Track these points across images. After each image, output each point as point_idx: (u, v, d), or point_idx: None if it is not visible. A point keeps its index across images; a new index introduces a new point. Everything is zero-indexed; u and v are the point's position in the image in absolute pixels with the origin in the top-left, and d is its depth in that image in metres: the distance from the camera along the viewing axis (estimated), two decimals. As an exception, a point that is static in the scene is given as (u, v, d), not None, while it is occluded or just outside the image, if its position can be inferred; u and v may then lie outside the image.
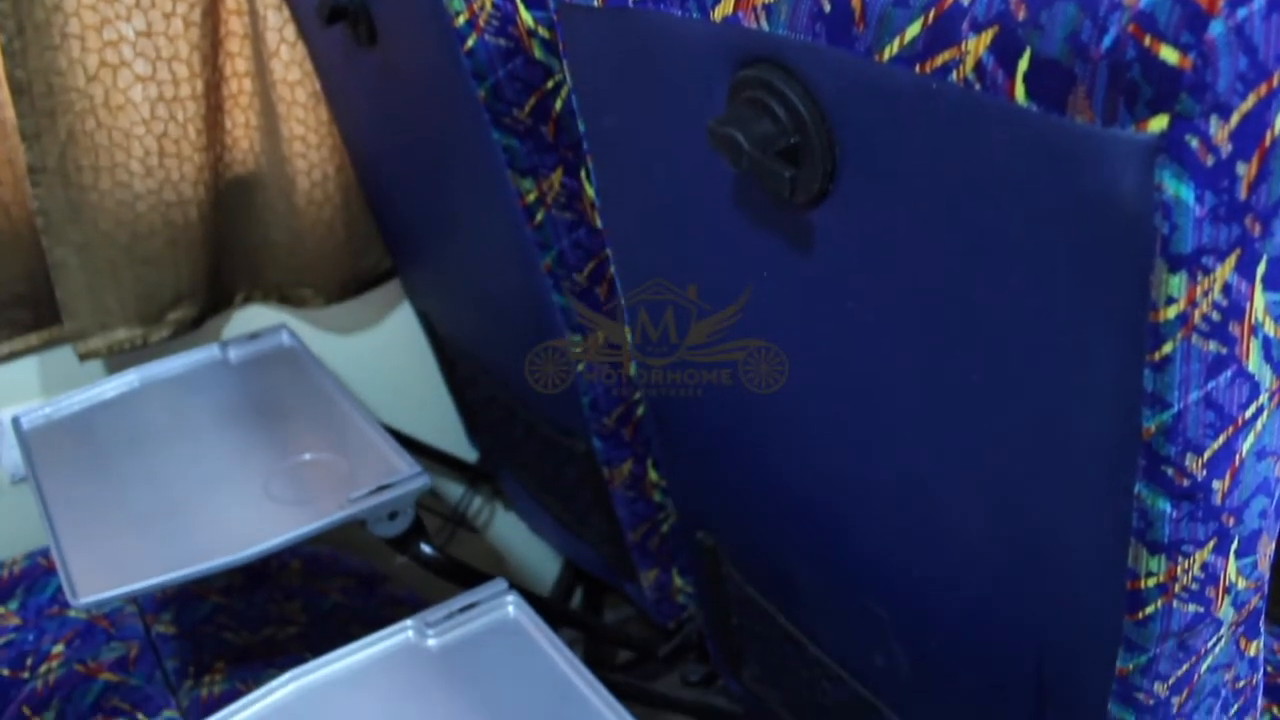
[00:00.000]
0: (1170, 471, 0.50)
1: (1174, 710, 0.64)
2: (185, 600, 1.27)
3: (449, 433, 1.57)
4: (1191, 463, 0.50)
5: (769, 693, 1.07)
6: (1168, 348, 0.46)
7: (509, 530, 1.69)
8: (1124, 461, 0.51)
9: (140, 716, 1.10)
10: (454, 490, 1.61)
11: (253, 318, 1.42)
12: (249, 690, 1.12)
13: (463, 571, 1.05)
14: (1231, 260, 0.44)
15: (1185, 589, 0.56)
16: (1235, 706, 0.72)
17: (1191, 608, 0.57)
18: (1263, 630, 0.68)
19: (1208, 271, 0.44)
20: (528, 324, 1.02)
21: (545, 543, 1.66)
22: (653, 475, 1.08)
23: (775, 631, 0.96)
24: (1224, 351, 0.47)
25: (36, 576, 1.27)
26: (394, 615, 1.32)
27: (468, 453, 1.58)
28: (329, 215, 1.34)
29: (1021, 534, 0.60)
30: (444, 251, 1.20)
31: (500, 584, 0.89)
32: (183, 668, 1.18)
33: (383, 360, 1.50)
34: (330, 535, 1.42)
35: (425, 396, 1.55)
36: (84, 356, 1.29)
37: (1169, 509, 0.51)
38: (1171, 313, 0.45)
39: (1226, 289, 0.45)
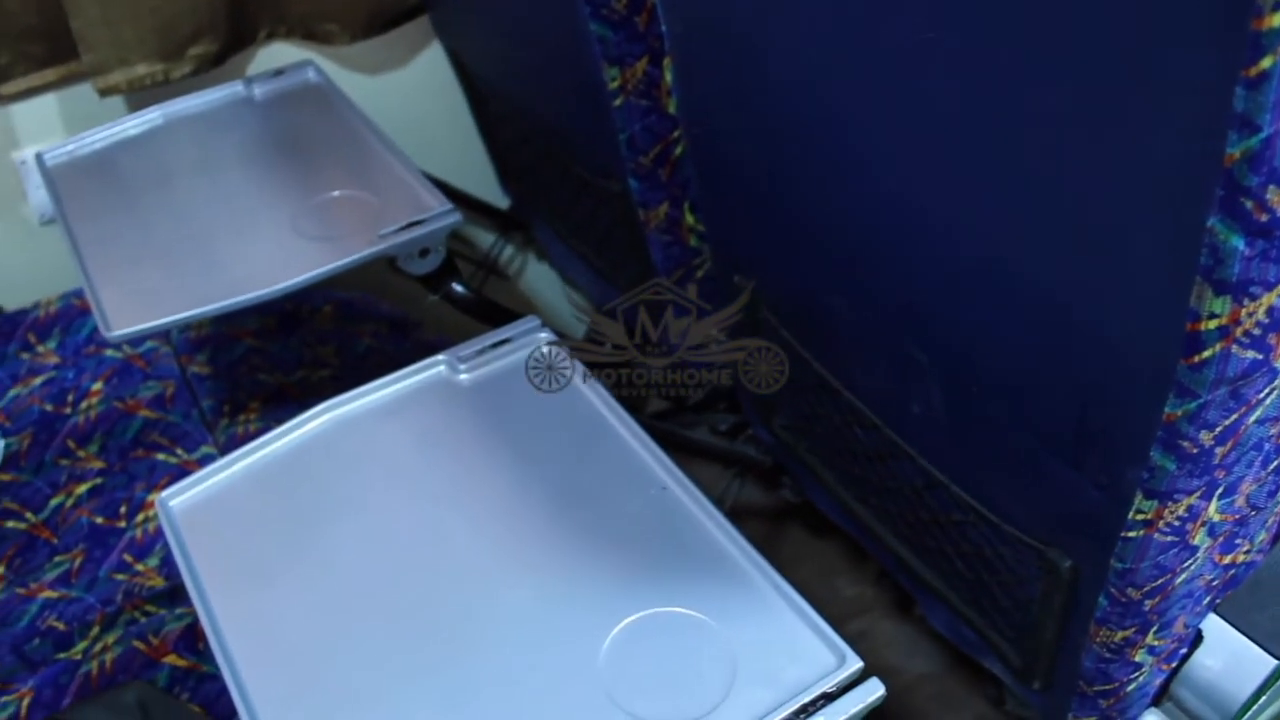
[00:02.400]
0: (1249, 204, 0.47)
1: (1216, 460, 0.62)
2: (219, 342, 1.27)
3: (480, 179, 1.53)
4: (1273, 195, 0.46)
5: (798, 441, 1.07)
6: (1266, 63, 0.42)
7: (540, 280, 1.68)
8: (1200, 191, 0.48)
9: (179, 451, 1.12)
10: (485, 238, 1.59)
11: (277, 55, 1.37)
12: (285, 428, 1.14)
13: (495, 311, 1.04)
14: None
15: (1247, 333, 0.54)
16: (1276, 462, 0.71)
17: (1250, 354, 0.55)
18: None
19: (1322, -27, 0.39)
20: (564, 56, 0.97)
21: (577, 292, 1.64)
22: (689, 219, 1.05)
23: (809, 378, 0.95)
24: (1325, 70, 0.42)
25: (72, 317, 1.28)
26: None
27: (499, 200, 1.55)
28: (350, -56, 1.27)
29: (1082, 271, 0.57)
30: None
31: (533, 321, 0.88)
32: (218, 406, 1.20)
33: (411, 102, 1.46)
34: (363, 280, 1.42)
35: (456, 140, 1.51)
36: (104, 92, 1.25)
37: (1241, 245, 0.48)
38: (1276, 20, 0.40)
39: (1339, -5, 0.40)
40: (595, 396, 0.83)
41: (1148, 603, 0.71)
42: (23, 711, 0.92)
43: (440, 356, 0.87)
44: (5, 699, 0.93)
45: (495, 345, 0.87)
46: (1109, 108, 0.50)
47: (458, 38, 1.35)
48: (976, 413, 0.74)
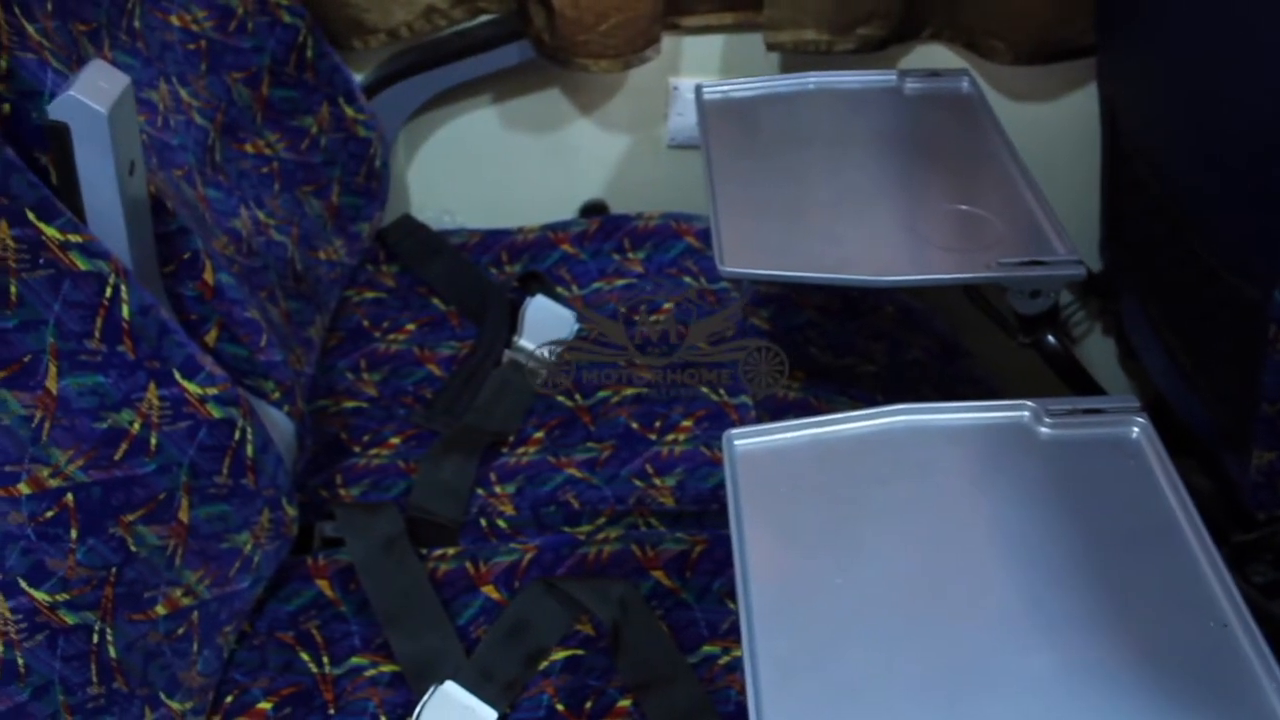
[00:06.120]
0: None
1: None
2: (784, 304, 1.32)
3: (1078, 234, 1.47)
4: None
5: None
6: None
7: (1096, 355, 1.59)
8: None
9: (721, 391, 1.17)
10: (1063, 294, 1.53)
11: (933, 56, 1.39)
12: (820, 405, 1.16)
13: (1080, 375, 1.00)
14: None
15: None
16: None
17: None
18: None
19: None
20: (1261, 146, 0.90)
21: (1134, 383, 1.55)
22: (1325, 352, 0.95)
23: None
24: None
25: (666, 236, 1.37)
26: (966, 392, 1.30)
27: (1092, 261, 1.48)
28: (1051, -31, 1.25)
29: None
30: (1181, 38, 1.07)
31: (1131, 400, 0.84)
32: (766, 363, 1.24)
33: (1042, 137, 1.41)
34: (927, 293, 1.41)
35: (1069, 189, 1.45)
36: (771, 47, 1.33)
37: None
38: None
39: None
40: (1175, 499, 0.77)
41: None
42: (523, 563, 1.01)
43: (1027, 403, 0.84)
44: (513, 545, 1.03)
45: (1087, 411, 0.83)
46: None
47: (1122, 88, 1.29)
48: None
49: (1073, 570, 0.73)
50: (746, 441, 0.81)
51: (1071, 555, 0.74)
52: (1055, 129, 1.43)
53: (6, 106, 0.79)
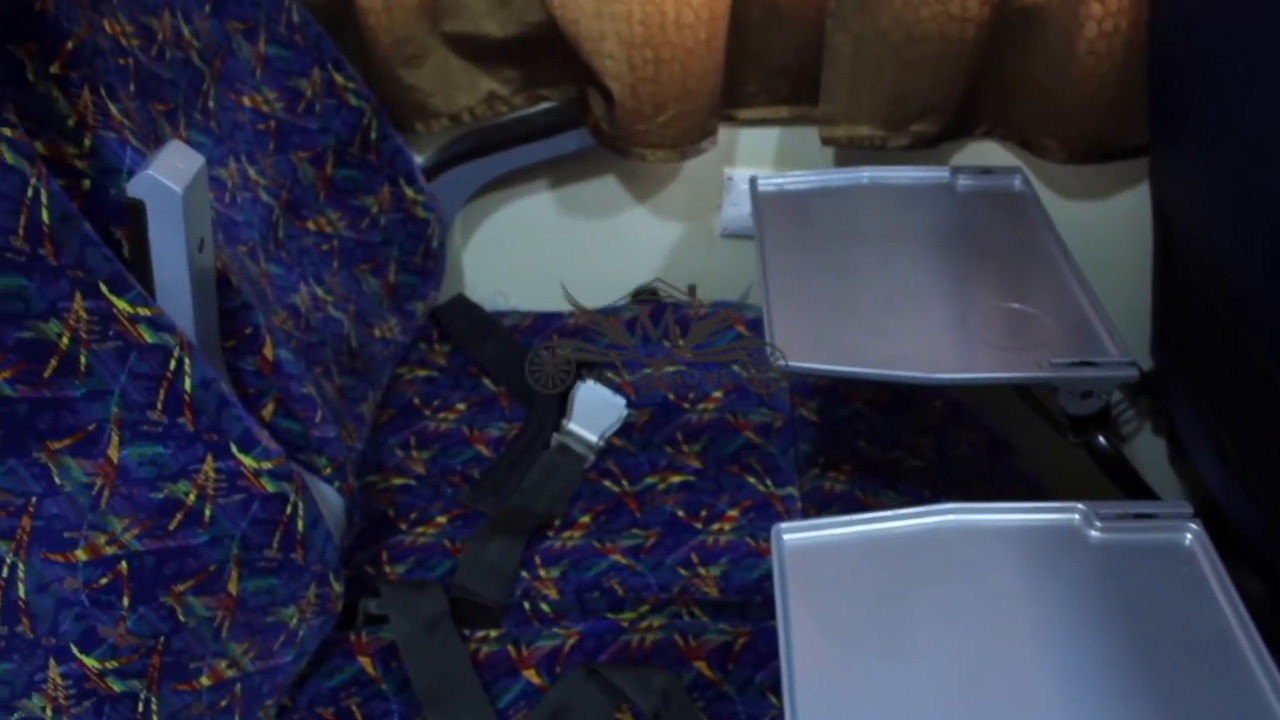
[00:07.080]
0: None
1: None
2: (832, 396, 1.32)
3: (1128, 332, 1.46)
4: None
5: None
6: None
7: (1147, 454, 1.58)
8: None
9: (768, 482, 1.17)
10: (1114, 393, 1.52)
11: (985, 153, 1.40)
12: (866, 499, 1.16)
13: (1131, 477, 0.99)
14: None
15: None
16: None
17: None
18: None
19: None
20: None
21: (1185, 484, 1.53)
22: (1382, 464, 0.93)
23: None
24: None
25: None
26: (1014, 490, 1.29)
27: (1142, 360, 1.47)
28: (1105, 70, 1.25)
29: None
30: (1236, 138, 1.08)
31: (1184, 506, 0.83)
32: (813, 455, 1.24)
33: (1092, 236, 1.41)
34: (976, 389, 1.41)
35: (1118, 287, 1.45)
36: (826, 141, 1.34)
37: None
38: None
39: None
40: (1230, 609, 0.76)
41: None
42: (566, 648, 1.00)
43: (1078, 505, 0.84)
44: (556, 630, 1.03)
45: (1138, 516, 0.83)
46: None
47: (1175, 188, 1.29)
48: None
49: (1123, 681, 0.72)
50: (796, 536, 0.81)
51: (1122, 665, 0.73)
52: (1107, 228, 1.43)
53: (87, 182, 0.82)
